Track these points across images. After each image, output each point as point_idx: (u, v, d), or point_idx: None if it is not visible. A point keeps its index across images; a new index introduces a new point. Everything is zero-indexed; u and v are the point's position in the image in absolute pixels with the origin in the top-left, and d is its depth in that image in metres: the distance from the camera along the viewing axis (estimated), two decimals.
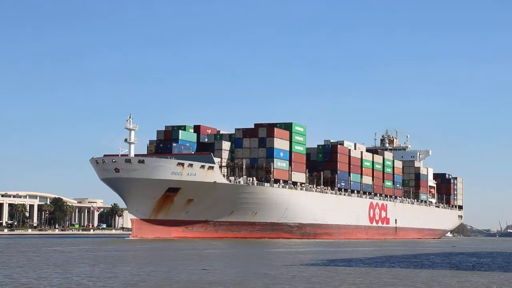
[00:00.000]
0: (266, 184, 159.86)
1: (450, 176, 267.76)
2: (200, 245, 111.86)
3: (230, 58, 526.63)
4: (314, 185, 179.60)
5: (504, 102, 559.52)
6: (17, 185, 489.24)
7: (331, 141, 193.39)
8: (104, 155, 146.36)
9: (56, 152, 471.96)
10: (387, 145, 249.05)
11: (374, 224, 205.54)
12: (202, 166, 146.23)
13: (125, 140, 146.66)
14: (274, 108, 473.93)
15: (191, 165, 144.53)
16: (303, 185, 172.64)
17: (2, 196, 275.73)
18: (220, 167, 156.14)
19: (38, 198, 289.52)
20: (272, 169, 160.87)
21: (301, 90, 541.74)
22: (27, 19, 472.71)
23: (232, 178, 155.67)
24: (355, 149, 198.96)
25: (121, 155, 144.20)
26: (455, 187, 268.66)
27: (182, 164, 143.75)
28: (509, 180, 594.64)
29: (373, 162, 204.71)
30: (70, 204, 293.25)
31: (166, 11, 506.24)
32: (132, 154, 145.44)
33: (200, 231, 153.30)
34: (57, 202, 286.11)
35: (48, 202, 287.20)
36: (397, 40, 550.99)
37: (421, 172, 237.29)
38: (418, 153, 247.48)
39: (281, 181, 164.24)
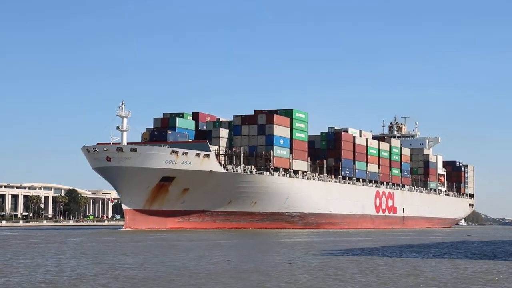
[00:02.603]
0: (265, 172, 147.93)
1: (460, 164, 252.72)
2: (204, 235, 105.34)
3: (233, 47, 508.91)
4: (317, 174, 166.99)
5: None
6: (32, 177, 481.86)
7: (335, 128, 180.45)
8: (97, 144, 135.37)
9: (70, 144, 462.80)
10: (395, 132, 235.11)
11: (381, 213, 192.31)
12: (198, 154, 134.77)
13: (117, 127, 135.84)
14: (278, 95, 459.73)
15: (185, 153, 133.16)
16: (305, 173, 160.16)
17: (17, 188, 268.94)
18: (218, 155, 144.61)
19: (52, 189, 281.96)
20: (271, 157, 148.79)
21: (306, 77, 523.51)
22: (23, 11, 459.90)
23: (229, 167, 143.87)
24: (360, 136, 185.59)
25: (113, 143, 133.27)
26: (466, 175, 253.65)
27: (176, 152, 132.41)
28: None
29: (379, 149, 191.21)
30: (84, 196, 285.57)
31: (164, 4, 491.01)
32: (124, 142, 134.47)
33: (197, 222, 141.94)
34: (72, 194, 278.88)
35: (63, 194, 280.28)
36: (403, 29, 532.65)
37: (430, 160, 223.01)
38: (427, 141, 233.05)
39: (281, 170, 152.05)
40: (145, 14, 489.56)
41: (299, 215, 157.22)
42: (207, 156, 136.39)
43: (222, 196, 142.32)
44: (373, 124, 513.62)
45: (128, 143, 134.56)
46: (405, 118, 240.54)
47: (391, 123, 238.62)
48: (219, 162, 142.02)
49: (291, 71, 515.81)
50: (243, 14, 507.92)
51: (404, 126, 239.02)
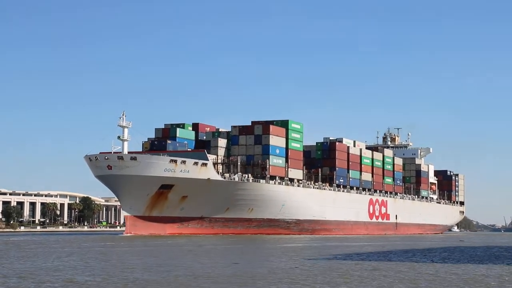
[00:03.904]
0: (261, 180, 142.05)
1: (451, 173, 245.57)
2: (208, 241, 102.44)
3: (231, 60, 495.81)
4: (312, 182, 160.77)
5: (503, 99, 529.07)
6: (49, 185, 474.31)
7: (330, 138, 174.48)
8: (100, 153, 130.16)
9: (85, 153, 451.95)
10: (389, 143, 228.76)
11: (374, 219, 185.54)
12: (195, 163, 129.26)
13: (118, 137, 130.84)
14: (275, 107, 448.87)
15: (184, 162, 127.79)
16: (300, 181, 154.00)
17: (35, 195, 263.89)
18: (216, 164, 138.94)
19: (68, 197, 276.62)
20: (267, 166, 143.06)
21: (303, 89, 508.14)
22: (25, 16, 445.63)
23: (227, 175, 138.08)
24: (354, 146, 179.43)
25: (114, 152, 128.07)
26: (456, 183, 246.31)
27: (175, 161, 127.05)
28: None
29: (372, 159, 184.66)
30: (98, 203, 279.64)
31: (164, 9, 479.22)
32: (125, 151, 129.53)
33: (196, 228, 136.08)
34: (86, 201, 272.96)
35: (77, 201, 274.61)
36: (397, 43, 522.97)
37: (422, 169, 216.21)
38: (419, 151, 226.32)
39: (277, 178, 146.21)
40: (143, 26, 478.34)
41: (294, 222, 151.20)
42: (205, 164, 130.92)
43: (219, 203, 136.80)
44: (368, 135, 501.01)
45: (129, 152, 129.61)
46: (398, 129, 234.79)
47: (385, 134, 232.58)
48: (217, 171, 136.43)
49: (288, 83, 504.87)
50: (242, 24, 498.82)
51: (397, 137, 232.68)
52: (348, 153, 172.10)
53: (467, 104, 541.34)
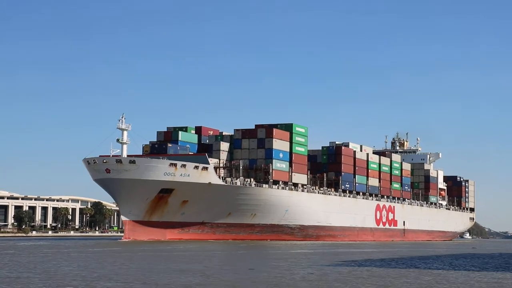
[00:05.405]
0: (264, 185, 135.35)
1: (461, 179, 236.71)
2: (213, 247, 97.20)
3: (236, 65, 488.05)
4: (317, 187, 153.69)
5: None
6: (61, 190, 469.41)
7: (337, 143, 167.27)
8: (100, 156, 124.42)
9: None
10: (397, 148, 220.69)
11: (381, 226, 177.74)
12: (196, 167, 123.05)
13: (117, 140, 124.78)
14: (280, 111, 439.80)
15: (184, 165, 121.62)
16: (304, 186, 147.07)
17: (47, 200, 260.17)
18: (218, 168, 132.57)
19: (79, 202, 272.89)
20: (271, 170, 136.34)
21: (308, 92, 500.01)
22: (29, 25, 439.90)
23: (229, 179, 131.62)
24: (361, 151, 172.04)
25: (113, 155, 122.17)
26: (466, 189, 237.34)
27: (175, 165, 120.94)
28: None
29: (380, 164, 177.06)
30: (109, 208, 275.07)
31: (169, 16, 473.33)
32: (124, 155, 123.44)
33: (197, 233, 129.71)
34: (97, 206, 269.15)
35: (89, 206, 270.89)
36: (405, 48, 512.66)
37: (430, 175, 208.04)
38: (428, 156, 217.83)
39: (280, 183, 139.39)
40: (148, 31, 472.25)
41: (298, 227, 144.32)
42: (206, 168, 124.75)
43: (221, 208, 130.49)
44: (376, 140, 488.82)
45: (128, 156, 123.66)
46: (407, 134, 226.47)
47: (393, 138, 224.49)
48: (218, 175, 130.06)
49: (294, 87, 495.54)
50: (247, 35, 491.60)
51: (406, 141, 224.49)
52: (355, 158, 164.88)
53: (478, 109, 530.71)
